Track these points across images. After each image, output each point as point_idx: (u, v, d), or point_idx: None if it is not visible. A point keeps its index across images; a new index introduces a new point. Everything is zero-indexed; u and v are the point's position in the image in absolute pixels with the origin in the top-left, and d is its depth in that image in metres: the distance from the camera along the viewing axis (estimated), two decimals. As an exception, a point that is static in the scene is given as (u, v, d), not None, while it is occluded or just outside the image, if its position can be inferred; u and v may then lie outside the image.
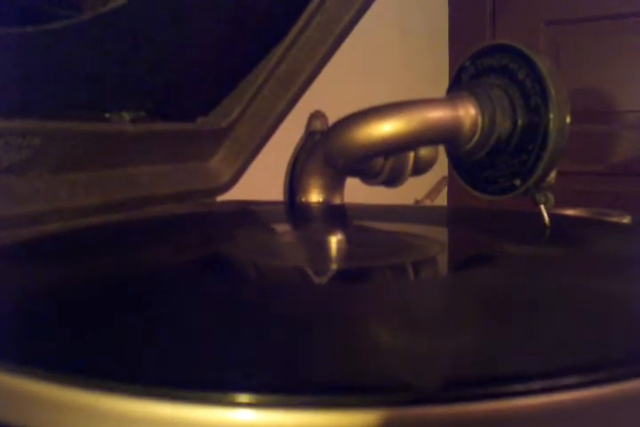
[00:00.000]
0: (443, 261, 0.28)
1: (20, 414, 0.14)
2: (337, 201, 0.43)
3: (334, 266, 0.27)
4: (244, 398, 0.13)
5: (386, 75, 1.06)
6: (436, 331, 0.17)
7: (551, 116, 0.30)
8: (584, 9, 1.22)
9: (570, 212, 0.38)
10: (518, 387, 0.13)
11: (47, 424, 0.14)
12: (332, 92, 0.73)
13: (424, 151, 0.39)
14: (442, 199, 1.08)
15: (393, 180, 0.39)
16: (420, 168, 0.39)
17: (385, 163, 0.38)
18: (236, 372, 0.14)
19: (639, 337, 0.16)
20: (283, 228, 0.39)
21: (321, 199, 0.42)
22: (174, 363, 0.15)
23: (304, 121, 0.44)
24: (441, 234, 0.34)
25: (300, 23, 0.44)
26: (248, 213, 0.44)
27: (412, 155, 0.39)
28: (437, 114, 0.32)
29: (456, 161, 0.35)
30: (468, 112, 0.32)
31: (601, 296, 0.20)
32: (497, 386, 0.13)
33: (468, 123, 0.32)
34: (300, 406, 0.12)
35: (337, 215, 0.41)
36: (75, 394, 0.13)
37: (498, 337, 0.16)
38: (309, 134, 0.43)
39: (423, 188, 0.48)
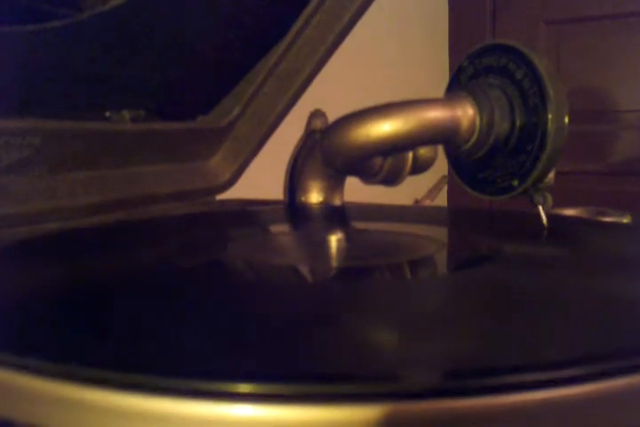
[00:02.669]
0: (442, 260, 0.28)
1: (22, 410, 0.14)
2: (337, 200, 0.43)
3: (334, 265, 0.27)
4: (244, 388, 0.13)
5: (385, 74, 1.06)
6: (435, 327, 0.17)
7: (550, 116, 0.30)
8: (584, 8, 1.21)
9: (570, 211, 0.38)
10: (515, 381, 0.13)
11: (49, 420, 0.14)
12: (331, 91, 0.73)
13: (423, 150, 0.39)
14: (442, 199, 1.08)
15: (392, 179, 0.39)
16: (419, 167, 0.39)
17: (384, 162, 0.38)
18: (235, 363, 0.14)
19: (637, 334, 0.16)
20: (282, 227, 0.39)
21: (321, 198, 0.42)
22: (175, 356, 0.15)
23: (304, 120, 0.44)
24: (440, 234, 0.34)
25: (299, 22, 0.44)
26: (248, 212, 0.44)
27: (410, 154, 0.39)
28: (435, 114, 0.32)
29: (455, 161, 0.36)
30: (466, 112, 0.32)
31: (599, 296, 0.20)
32: (494, 380, 0.13)
33: (465, 123, 0.32)
34: (298, 397, 0.13)
35: (336, 215, 0.41)
36: (75, 388, 0.13)
37: (495, 333, 0.17)
38: (309, 133, 0.43)
39: (423, 187, 0.48)
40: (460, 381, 0.13)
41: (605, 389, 0.13)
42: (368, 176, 0.40)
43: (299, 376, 0.13)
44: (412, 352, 0.15)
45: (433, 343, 0.16)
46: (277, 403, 0.13)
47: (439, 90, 0.36)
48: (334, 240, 0.29)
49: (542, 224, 0.31)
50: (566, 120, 0.30)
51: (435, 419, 0.13)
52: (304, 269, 0.27)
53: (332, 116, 0.39)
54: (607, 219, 0.36)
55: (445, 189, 0.50)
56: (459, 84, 0.34)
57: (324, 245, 0.29)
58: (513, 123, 0.31)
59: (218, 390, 0.13)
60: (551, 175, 0.31)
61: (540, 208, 0.31)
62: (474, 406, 0.13)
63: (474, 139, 0.32)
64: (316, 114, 0.43)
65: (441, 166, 0.40)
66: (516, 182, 0.32)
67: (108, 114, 0.39)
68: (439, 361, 0.14)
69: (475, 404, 0.13)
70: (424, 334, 0.17)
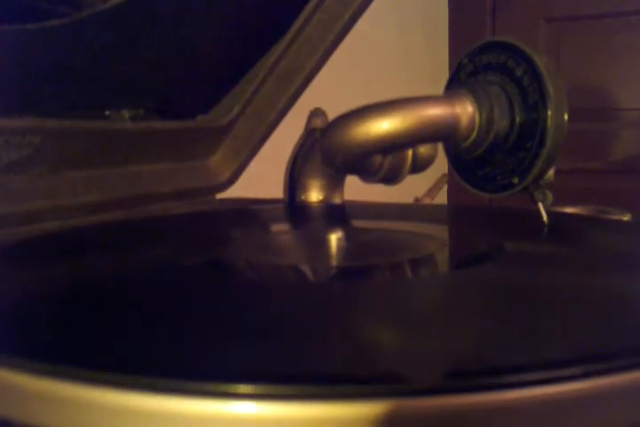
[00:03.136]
0: (443, 259, 0.28)
1: (22, 410, 0.14)
2: (337, 199, 0.43)
3: (334, 264, 0.27)
4: (244, 388, 0.13)
5: (385, 72, 1.06)
6: (437, 325, 0.17)
7: (549, 113, 0.30)
8: (584, 6, 1.21)
9: (570, 209, 0.38)
10: (517, 379, 0.13)
11: (47, 420, 0.14)
12: (331, 90, 0.73)
13: (423, 149, 0.39)
14: (442, 197, 1.08)
15: (392, 177, 0.39)
16: (419, 165, 0.39)
17: (383, 160, 0.38)
18: (236, 363, 0.14)
19: (638, 332, 0.16)
20: (282, 226, 0.39)
21: (321, 197, 0.42)
22: (176, 356, 0.15)
23: (304, 119, 0.44)
24: (441, 232, 0.34)
25: (299, 21, 0.44)
26: (248, 211, 0.44)
27: (410, 152, 0.39)
28: (435, 111, 0.32)
29: (454, 159, 0.35)
30: (465, 109, 0.32)
31: (600, 294, 0.20)
32: (496, 378, 0.13)
33: (465, 120, 0.32)
34: (300, 397, 0.13)
35: (337, 213, 0.41)
36: (76, 388, 0.13)
37: (497, 331, 0.17)
38: (309, 132, 0.43)
39: (423, 185, 0.48)
40: (461, 380, 0.13)
41: (608, 385, 0.13)
42: (368, 175, 0.40)
43: (300, 377, 0.13)
44: (413, 352, 0.15)
45: (434, 343, 0.16)
46: (279, 401, 0.13)
47: (439, 88, 0.36)
48: (334, 239, 0.29)
49: (543, 221, 0.31)
50: (566, 117, 0.30)
51: (436, 416, 0.13)
52: (304, 269, 0.27)
53: (332, 114, 0.39)
54: (608, 217, 0.36)
55: (445, 187, 0.50)
56: (458, 82, 0.34)
57: (325, 243, 0.29)
58: (512, 120, 0.31)
59: (218, 391, 0.13)
60: (551, 172, 0.31)
61: (541, 205, 0.31)
62: (475, 404, 0.13)
63: (473, 136, 0.32)
64: (316, 113, 0.43)
65: (441, 165, 0.40)
66: (516, 180, 0.32)
67: (107, 113, 0.39)
68: (441, 361, 0.14)
69: (476, 401, 0.13)
70: (425, 334, 0.17)
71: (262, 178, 0.54)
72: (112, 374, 0.13)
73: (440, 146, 0.38)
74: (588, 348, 0.15)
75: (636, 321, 0.17)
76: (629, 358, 0.14)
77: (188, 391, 0.13)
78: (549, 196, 0.31)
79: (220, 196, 0.49)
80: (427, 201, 0.46)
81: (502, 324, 0.17)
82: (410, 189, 0.48)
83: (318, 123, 0.43)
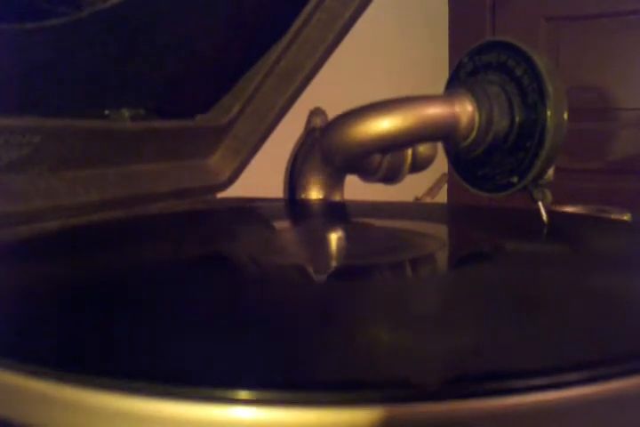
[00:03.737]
0: (442, 258, 0.28)
1: (21, 411, 0.14)
2: (337, 198, 0.43)
3: (334, 263, 0.27)
4: (243, 394, 0.13)
5: (385, 72, 1.06)
6: (437, 328, 0.17)
7: (548, 113, 0.30)
8: (584, 6, 1.21)
9: (570, 209, 0.38)
10: (518, 384, 0.13)
11: (47, 420, 0.14)
12: (331, 90, 0.73)
13: (422, 148, 0.39)
14: (442, 196, 1.07)
15: (391, 177, 0.39)
16: (419, 165, 0.39)
17: (382, 160, 0.38)
18: (235, 369, 0.14)
19: (638, 334, 0.16)
20: (283, 225, 0.39)
21: (321, 196, 0.42)
22: (174, 360, 0.15)
23: (304, 118, 0.44)
24: (441, 231, 0.34)
25: (299, 20, 0.44)
26: (248, 210, 0.44)
27: (409, 152, 0.39)
28: (434, 111, 0.32)
29: (454, 158, 0.36)
30: (465, 109, 0.32)
31: (599, 294, 0.20)
32: (497, 383, 0.13)
33: (464, 120, 0.32)
34: (299, 402, 0.13)
35: (337, 212, 0.41)
36: (75, 390, 0.13)
37: (498, 334, 0.17)
38: (309, 131, 0.43)
39: (423, 185, 0.48)
40: (462, 385, 0.13)
41: (610, 390, 0.13)
42: (368, 174, 0.40)
43: (299, 383, 0.13)
44: (414, 356, 0.15)
45: (434, 346, 0.16)
46: (278, 406, 0.13)
47: (439, 87, 0.36)
48: (334, 238, 0.29)
49: (542, 221, 0.31)
50: (565, 117, 0.30)
51: (437, 421, 0.13)
52: (303, 268, 0.27)
53: (332, 114, 0.39)
54: (607, 216, 0.36)
55: (446, 186, 0.50)
56: (458, 81, 0.34)
57: (324, 242, 0.29)
58: (512, 120, 0.31)
59: (217, 397, 0.13)
60: (550, 172, 0.31)
61: (540, 205, 0.31)
62: (476, 409, 0.13)
63: (473, 135, 0.32)
64: (316, 112, 0.43)
65: (441, 164, 0.40)
66: (515, 179, 0.32)
67: (107, 112, 0.39)
68: (442, 365, 0.14)
69: (476, 406, 0.13)
70: (425, 336, 0.17)
71: (262, 177, 0.54)
72: (110, 377, 0.13)
73: (440, 145, 0.38)
74: (589, 352, 0.15)
75: (635, 323, 0.17)
76: (631, 362, 0.14)
77: (186, 396, 0.13)
78: (549, 195, 0.31)
79: (220, 195, 0.49)
80: (427, 200, 0.46)
81: (503, 327, 0.17)
82: (410, 188, 0.48)
83: (318, 122, 0.43)
